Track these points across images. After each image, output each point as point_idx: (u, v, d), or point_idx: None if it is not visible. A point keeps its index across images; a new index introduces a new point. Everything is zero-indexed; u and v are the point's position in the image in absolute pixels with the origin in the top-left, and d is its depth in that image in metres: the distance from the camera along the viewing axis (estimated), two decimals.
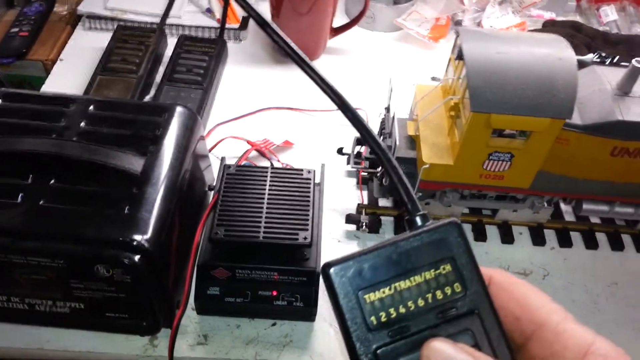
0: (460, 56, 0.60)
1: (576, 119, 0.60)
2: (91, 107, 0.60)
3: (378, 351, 0.26)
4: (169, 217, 0.53)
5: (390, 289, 0.26)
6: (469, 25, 1.03)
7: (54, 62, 0.91)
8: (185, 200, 0.58)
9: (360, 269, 0.26)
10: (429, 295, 0.26)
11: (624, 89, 0.60)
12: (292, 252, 0.58)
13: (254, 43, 0.99)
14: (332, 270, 0.26)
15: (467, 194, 0.67)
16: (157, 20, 0.95)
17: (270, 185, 0.61)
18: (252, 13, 0.29)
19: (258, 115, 0.85)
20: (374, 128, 0.78)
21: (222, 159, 0.66)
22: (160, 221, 0.52)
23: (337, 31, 0.95)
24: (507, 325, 0.27)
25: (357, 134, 0.46)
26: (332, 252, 0.67)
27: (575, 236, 0.74)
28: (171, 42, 0.93)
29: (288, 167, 0.74)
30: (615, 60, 0.90)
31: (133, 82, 0.83)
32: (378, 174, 0.73)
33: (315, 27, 0.92)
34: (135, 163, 0.55)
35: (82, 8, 0.98)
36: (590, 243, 0.73)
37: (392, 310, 0.26)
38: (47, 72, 0.90)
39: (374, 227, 0.71)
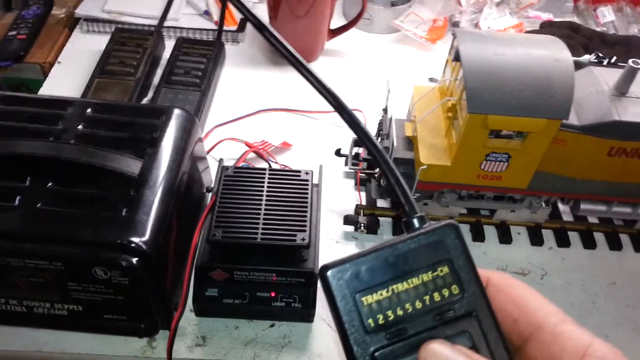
0: (457, 57, 0.60)
1: (573, 119, 0.60)
2: (89, 110, 0.60)
3: (376, 354, 0.26)
4: (166, 219, 0.53)
5: (387, 291, 0.26)
6: (467, 26, 1.03)
7: (51, 64, 0.91)
8: (183, 202, 0.58)
9: (358, 272, 0.26)
10: (427, 298, 0.26)
11: (621, 90, 0.60)
12: (290, 254, 0.58)
13: (252, 45, 0.99)
14: (329, 272, 0.26)
15: (464, 195, 0.68)
16: (155, 22, 0.96)
17: (268, 187, 0.61)
18: (249, 16, 0.29)
19: (256, 117, 0.85)
20: (372, 130, 0.78)
21: (220, 160, 0.66)
22: (158, 223, 0.52)
23: (334, 33, 0.96)
24: (505, 327, 0.27)
25: (355, 135, 0.47)
26: (331, 253, 0.67)
27: (573, 236, 0.74)
28: (169, 44, 0.93)
29: (286, 168, 0.74)
30: (612, 60, 0.90)
31: (131, 84, 0.83)
32: (376, 175, 0.73)
33: (313, 29, 0.92)
34: (132, 165, 0.55)
35: (79, 11, 0.98)
36: (589, 243, 0.73)
37: (389, 313, 0.26)
38: (45, 75, 0.90)
39: (372, 227, 0.71)
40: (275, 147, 0.79)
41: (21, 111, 0.59)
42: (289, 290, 0.58)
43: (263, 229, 0.57)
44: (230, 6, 0.96)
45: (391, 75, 0.73)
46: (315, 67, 0.95)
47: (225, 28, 0.95)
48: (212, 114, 0.85)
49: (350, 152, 0.73)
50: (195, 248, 0.58)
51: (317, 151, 0.81)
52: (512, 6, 1.06)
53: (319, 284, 0.27)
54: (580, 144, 0.60)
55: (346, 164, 0.74)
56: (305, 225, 0.57)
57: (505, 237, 0.72)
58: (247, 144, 0.77)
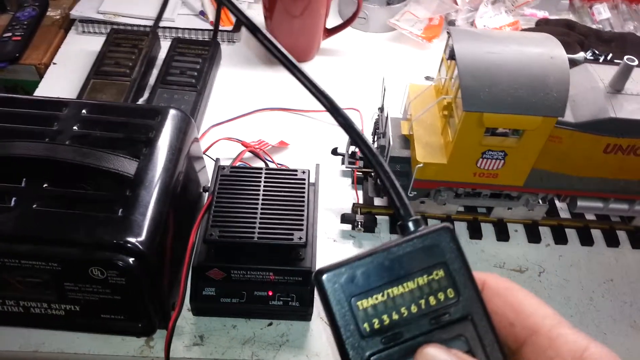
0: (452, 56, 0.60)
1: (569, 116, 0.60)
2: (84, 111, 0.60)
3: (371, 358, 0.26)
4: (162, 219, 0.53)
5: (383, 296, 0.26)
6: (463, 25, 1.03)
7: (47, 66, 0.91)
8: (179, 202, 0.58)
9: (353, 276, 0.26)
10: (422, 301, 0.26)
11: (616, 87, 0.60)
12: (288, 252, 0.58)
13: (248, 45, 0.99)
14: (324, 277, 0.26)
15: (461, 193, 0.68)
16: (150, 23, 0.95)
17: (264, 186, 0.61)
18: (242, 19, 0.29)
19: (252, 116, 0.85)
20: (369, 128, 0.78)
21: (217, 160, 0.66)
22: (154, 223, 0.52)
23: (330, 32, 0.96)
24: (501, 331, 0.27)
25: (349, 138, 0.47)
26: (328, 252, 0.67)
27: (571, 233, 0.74)
28: (164, 44, 0.93)
29: (282, 167, 0.74)
30: (608, 58, 0.90)
31: (126, 85, 0.83)
32: (372, 174, 0.73)
33: (308, 29, 0.92)
34: (128, 166, 0.55)
35: (75, 12, 0.97)
36: (586, 240, 0.73)
37: (385, 317, 0.26)
38: (41, 76, 0.90)
39: (370, 226, 0.71)
40: (271, 146, 0.79)
41: (17, 112, 0.59)
42: (287, 289, 0.58)
43: (260, 228, 0.57)
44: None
45: (387, 74, 0.73)
46: (311, 66, 0.96)
47: (220, 28, 0.95)
48: (209, 113, 0.85)
49: (347, 151, 0.73)
50: (192, 247, 0.58)
51: (314, 150, 0.81)
52: (507, 4, 1.06)
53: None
54: (576, 141, 0.61)
55: (343, 163, 0.74)
56: (302, 224, 0.57)
57: (502, 234, 0.72)
58: (244, 144, 0.77)
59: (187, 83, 0.84)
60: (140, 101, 0.84)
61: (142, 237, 0.50)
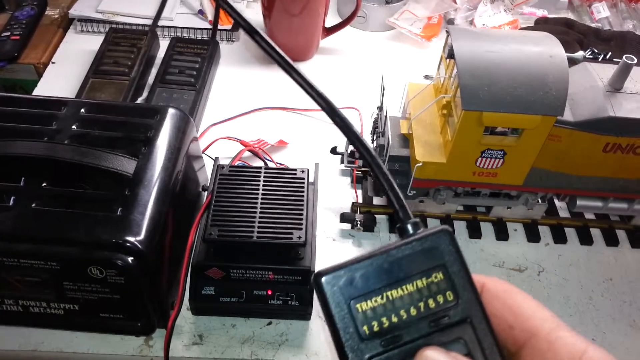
0: (451, 55, 0.60)
1: (568, 115, 0.60)
2: (83, 110, 0.60)
3: None
4: (162, 218, 0.53)
5: (382, 298, 0.26)
6: (462, 23, 1.03)
7: (45, 65, 0.91)
8: (178, 201, 0.58)
9: (352, 278, 0.26)
10: (421, 304, 0.26)
11: (615, 86, 0.60)
12: (287, 252, 0.58)
13: (247, 44, 0.99)
14: (323, 279, 0.26)
15: (460, 192, 0.68)
16: (149, 22, 0.95)
17: (264, 185, 0.61)
18: (240, 21, 0.29)
19: (251, 115, 0.85)
20: (368, 127, 0.78)
21: (216, 159, 0.66)
22: (153, 222, 0.52)
23: (329, 31, 0.96)
24: (500, 334, 0.27)
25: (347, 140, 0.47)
26: (327, 251, 0.67)
27: (570, 232, 0.74)
28: (163, 44, 0.93)
29: (282, 166, 0.74)
30: (607, 56, 0.90)
31: (125, 84, 0.82)
32: (372, 173, 0.73)
33: (307, 28, 0.92)
34: (127, 165, 0.55)
35: (73, 11, 0.97)
36: (585, 239, 0.73)
37: (384, 320, 0.26)
38: (39, 75, 0.90)
39: (369, 225, 0.71)
40: (271, 145, 0.79)
41: (15, 112, 0.59)
42: (286, 288, 0.58)
43: (259, 227, 0.57)
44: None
45: (386, 72, 0.73)
46: (310, 65, 0.96)
47: (219, 27, 0.95)
48: (208, 113, 0.85)
49: (346, 150, 0.73)
50: (191, 247, 0.58)
51: (313, 149, 0.81)
52: (506, 3, 1.06)
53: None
54: (575, 140, 0.61)
55: (342, 162, 0.74)
56: (301, 224, 0.57)
57: (501, 233, 0.72)
58: (243, 143, 0.77)
59: (186, 82, 0.84)
60: (139, 100, 0.84)
61: (141, 237, 0.50)
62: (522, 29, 1.02)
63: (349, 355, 0.26)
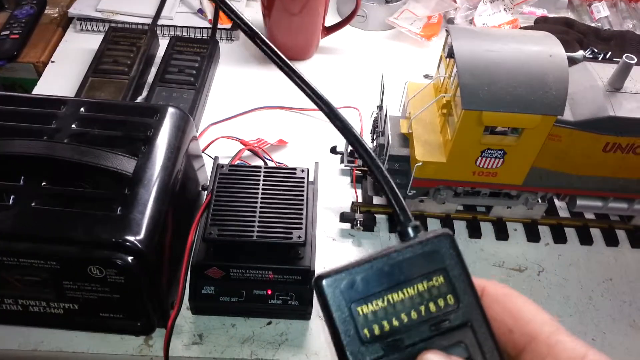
0: (451, 54, 0.60)
1: (568, 115, 0.60)
2: (82, 109, 0.60)
3: None
4: (161, 217, 0.53)
5: (383, 302, 0.26)
6: (461, 23, 1.03)
7: (45, 64, 0.91)
8: (178, 201, 0.58)
9: (353, 281, 0.26)
10: (422, 308, 0.26)
11: (615, 85, 0.60)
12: (287, 251, 0.58)
13: (246, 43, 0.99)
14: (324, 282, 0.26)
15: (460, 191, 0.68)
16: (149, 21, 0.95)
17: (263, 185, 0.61)
18: (240, 24, 0.29)
19: (251, 114, 0.85)
20: (368, 126, 0.78)
21: (216, 158, 0.66)
22: (153, 222, 0.52)
23: (329, 30, 0.95)
24: (500, 338, 0.27)
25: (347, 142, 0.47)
26: (327, 251, 0.67)
27: (570, 232, 0.74)
28: (163, 43, 0.93)
29: (281, 166, 0.74)
30: (607, 56, 0.90)
31: (125, 83, 0.82)
32: (372, 175, 0.72)
33: (307, 27, 0.92)
34: (127, 164, 0.54)
35: (73, 10, 0.97)
36: (585, 239, 0.73)
37: (385, 323, 0.26)
38: (39, 74, 0.90)
39: (369, 225, 0.71)
40: (270, 144, 0.78)
41: (15, 111, 0.59)
42: (286, 288, 0.58)
43: (259, 226, 0.57)
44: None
45: (386, 72, 0.73)
46: (309, 64, 0.96)
47: (219, 26, 0.95)
48: (207, 112, 0.85)
49: (346, 150, 0.73)
50: (191, 246, 0.58)
51: (313, 149, 0.81)
52: (506, 2, 1.06)
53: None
54: (576, 140, 0.61)
55: (342, 162, 0.74)
56: (301, 223, 0.57)
57: (501, 233, 0.72)
58: (243, 142, 0.77)
59: (185, 81, 0.83)
60: (139, 99, 0.84)
61: (141, 236, 0.50)
62: (521, 28, 1.02)
63: (350, 359, 0.25)
